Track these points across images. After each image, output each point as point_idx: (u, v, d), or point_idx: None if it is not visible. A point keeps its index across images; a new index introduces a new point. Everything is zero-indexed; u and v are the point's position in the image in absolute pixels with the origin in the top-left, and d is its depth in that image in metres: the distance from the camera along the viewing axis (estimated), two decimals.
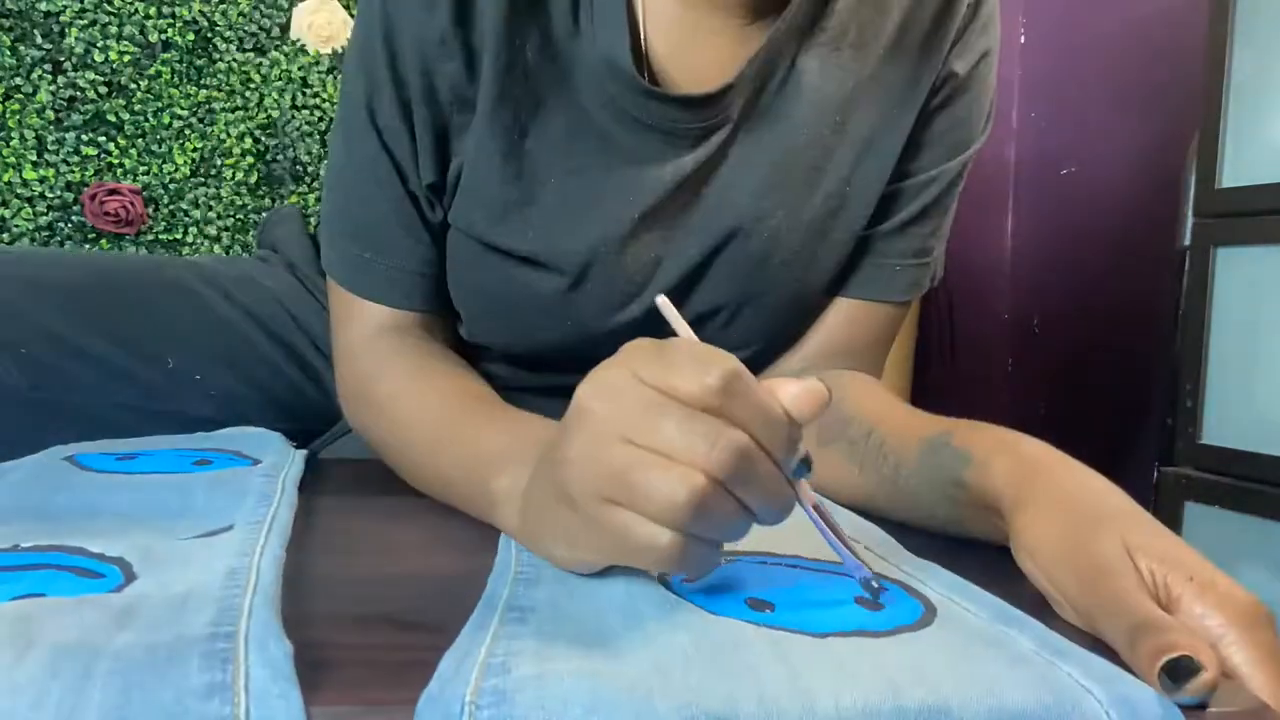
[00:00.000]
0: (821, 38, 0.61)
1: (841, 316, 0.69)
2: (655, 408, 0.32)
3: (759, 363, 0.68)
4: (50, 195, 1.24)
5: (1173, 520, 1.14)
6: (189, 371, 0.72)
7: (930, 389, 1.81)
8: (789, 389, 0.34)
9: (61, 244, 1.24)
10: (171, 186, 1.29)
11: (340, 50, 1.33)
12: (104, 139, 1.26)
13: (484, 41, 0.56)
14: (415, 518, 0.51)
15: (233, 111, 1.30)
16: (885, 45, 0.63)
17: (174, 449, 0.58)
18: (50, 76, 1.23)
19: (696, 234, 0.62)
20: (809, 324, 0.69)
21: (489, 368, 0.68)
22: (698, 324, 0.63)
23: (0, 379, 0.63)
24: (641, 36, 0.58)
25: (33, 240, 1.23)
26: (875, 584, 0.35)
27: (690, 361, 0.32)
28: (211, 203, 1.31)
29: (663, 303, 0.39)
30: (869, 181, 0.65)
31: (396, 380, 0.59)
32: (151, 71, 1.28)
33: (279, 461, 0.53)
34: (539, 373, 0.68)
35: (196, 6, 1.29)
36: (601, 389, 0.33)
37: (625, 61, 0.57)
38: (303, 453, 0.59)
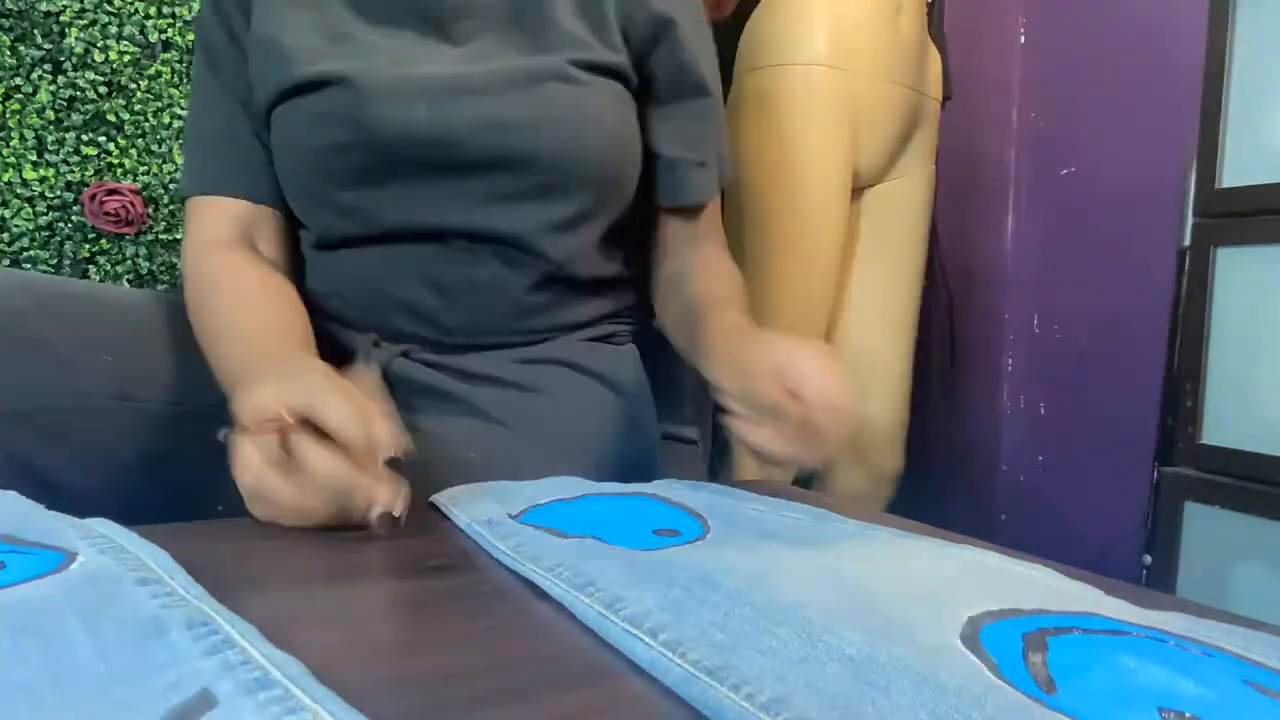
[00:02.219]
0: None
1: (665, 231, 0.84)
2: None
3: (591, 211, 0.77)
4: (50, 195, 1.23)
5: (1172, 520, 1.14)
6: None
7: (930, 389, 1.81)
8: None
9: (61, 244, 1.24)
10: (171, 186, 1.29)
11: None
12: (104, 139, 1.26)
13: None
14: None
15: None
16: None
17: None
18: (50, 76, 1.23)
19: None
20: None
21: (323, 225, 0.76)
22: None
23: (92, 391, 0.64)
24: None
25: (33, 240, 1.23)
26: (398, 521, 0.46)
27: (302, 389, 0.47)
28: None
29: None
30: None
31: (223, 299, 0.68)
32: (151, 71, 1.28)
33: (109, 548, 0.35)
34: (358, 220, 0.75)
35: (196, 6, 1.29)
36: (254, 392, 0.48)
37: None
38: (114, 527, 0.40)
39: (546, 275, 0.75)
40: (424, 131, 0.69)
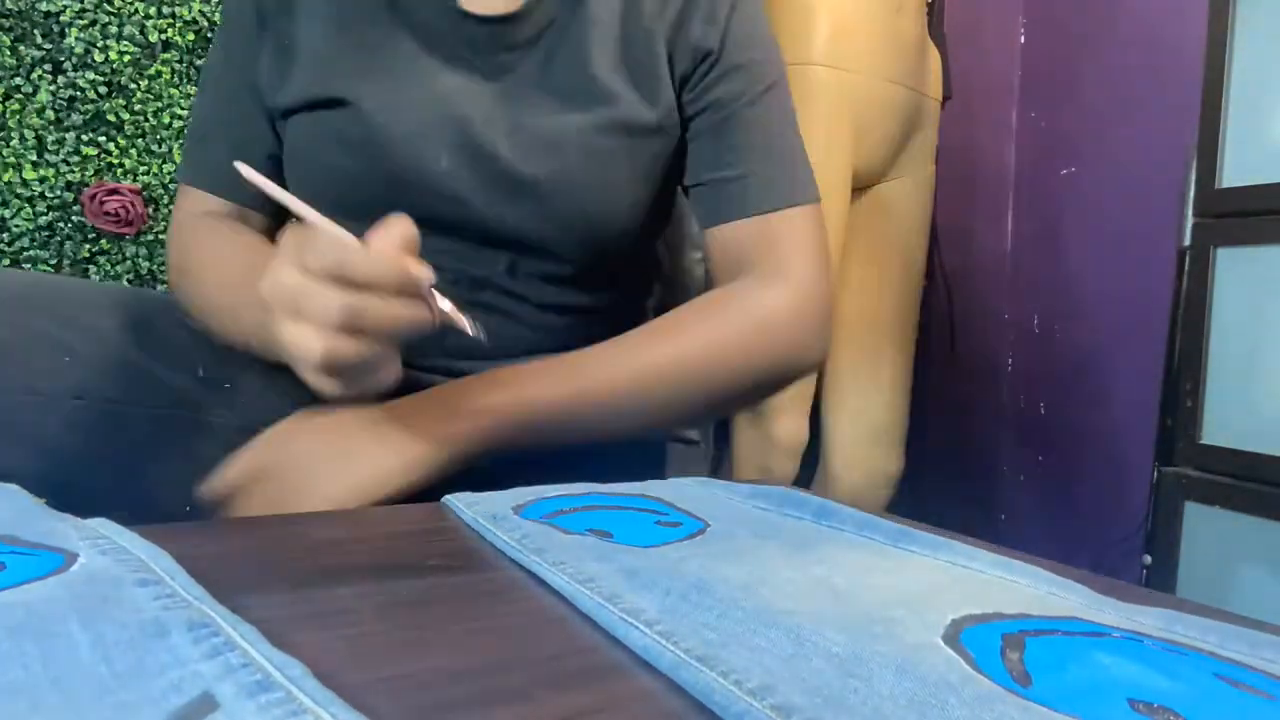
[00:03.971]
0: None
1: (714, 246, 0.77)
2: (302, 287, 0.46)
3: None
4: (50, 195, 1.23)
5: (1173, 520, 1.14)
6: (219, 380, 0.72)
7: (930, 388, 1.81)
8: (378, 241, 0.47)
9: (61, 244, 1.24)
10: (171, 186, 1.29)
11: None
12: (104, 139, 1.26)
13: None
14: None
15: None
16: None
17: None
18: (50, 76, 1.23)
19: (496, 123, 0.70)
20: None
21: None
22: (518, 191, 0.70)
23: (48, 389, 0.64)
24: None
25: (33, 240, 1.23)
26: (480, 333, 0.50)
27: (316, 249, 0.46)
28: None
29: (242, 168, 0.51)
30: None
31: (206, 250, 0.70)
32: (151, 71, 1.28)
33: (110, 548, 0.35)
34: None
35: (196, 6, 1.29)
36: (271, 272, 0.47)
37: None
38: (114, 527, 0.38)
39: (551, 309, 0.75)
40: (441, 187, 0.69)
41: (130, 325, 0.71)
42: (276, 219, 0.77)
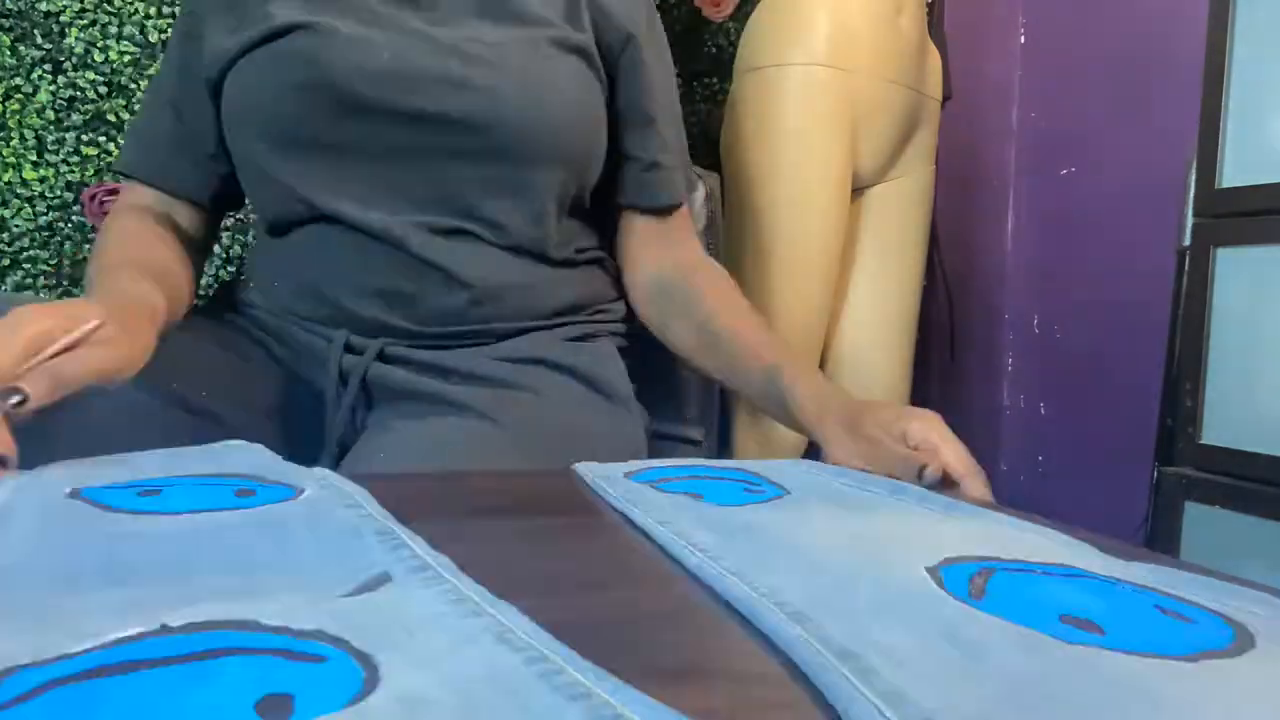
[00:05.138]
0: None
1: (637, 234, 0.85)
2: None
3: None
4: (50, 195, 1.23)
5: (1173, 520, 1.14)
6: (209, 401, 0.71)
7: (930, 388, 1.81)
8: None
9: (61, 244, 1.24)
10: None
11: None
12: (104, 139, 1.26)
13: None
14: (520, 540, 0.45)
15: None
16: None
17: (195, 477, 0.46)
18: (50, 76, 1.23)
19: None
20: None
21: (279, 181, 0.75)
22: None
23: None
24: None
25: (33, 240, 1.23)
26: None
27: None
28: None
29: None
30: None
31: (110, 235, 0.74)
32: (151, 71, 1.27)
33: (328, 486, 0.46)
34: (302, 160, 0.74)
35: None
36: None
37: None
38: (333, 475, 0.49)
39: (513, 248, 0.74)
40: (386, 72, 0.70)
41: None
42: (213, 212, 0.83)
